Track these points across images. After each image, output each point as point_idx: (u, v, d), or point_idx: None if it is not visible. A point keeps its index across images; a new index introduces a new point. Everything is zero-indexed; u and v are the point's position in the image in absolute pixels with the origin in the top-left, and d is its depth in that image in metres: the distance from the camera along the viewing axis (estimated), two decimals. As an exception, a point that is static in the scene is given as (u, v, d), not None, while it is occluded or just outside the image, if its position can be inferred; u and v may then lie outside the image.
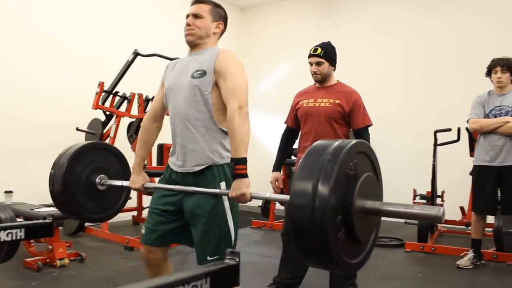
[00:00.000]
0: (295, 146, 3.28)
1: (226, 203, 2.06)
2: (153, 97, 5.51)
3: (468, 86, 6.14)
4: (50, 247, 3.85)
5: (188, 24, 2.17)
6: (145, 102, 5.58)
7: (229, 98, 1.99)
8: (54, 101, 5.57)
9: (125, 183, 2.41)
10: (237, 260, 1.69)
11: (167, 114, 2.31)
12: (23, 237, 2.52)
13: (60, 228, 4.03)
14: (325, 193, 1.36)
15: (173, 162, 2.20)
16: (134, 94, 5.44)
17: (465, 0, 6.31)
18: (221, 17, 2.24)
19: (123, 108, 5.46)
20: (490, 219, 4.38)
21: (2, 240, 2.31)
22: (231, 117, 1.95)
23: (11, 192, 4.49)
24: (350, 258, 1.50)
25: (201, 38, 2.17)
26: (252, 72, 6.98)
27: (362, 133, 2.99)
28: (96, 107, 5.11)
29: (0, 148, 5.08)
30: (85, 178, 2.40)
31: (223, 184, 2.06)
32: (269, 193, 1.94)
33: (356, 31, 7.23)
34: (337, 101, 2.93)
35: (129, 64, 5.28)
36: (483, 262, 4.11)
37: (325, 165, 1.40)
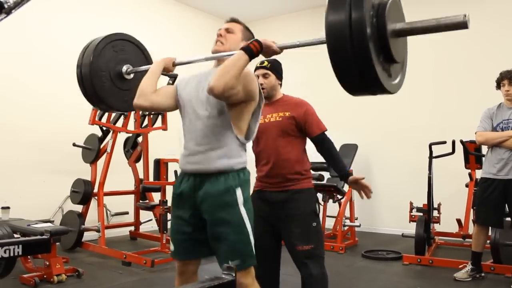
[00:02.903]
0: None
1: (243, 209, 2.10)
2: (149, 113, 5.58)
3: (463, 99, 6.22)
4: (47, 263, 3.84)
5: (219, 35, 2.27)
6: (141, 117, 5.60)
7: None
8: (50, 116, 5.59)
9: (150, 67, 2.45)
10: (234, 275, 1.70)
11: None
12: (20, 253, 2.51)
13: (57, 243, 4.03)
14: (360, 20, 1.46)
15: (187, 161, 2.19)
16: (131, 109, 5.47)
17: (475, 11, 6.39)
18: (250, 39, 2.31)
19: (119, 124, 5.48)
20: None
21: (-1, 256, 2.31)
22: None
23: (8, 208, 4.48)
24: (392, 79, 1.66)
25: (228, 51, 2.22)
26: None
27: (322, 138, 2.95)
28: (93, 122, 5.14)
29: (-3, 164, 5.09)
30: (112, 69, 2.50)
31: (238, 190, 2.10)
32: (298, 40, 2.01)
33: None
34: (287, 114, 2.83)
35: (126, 80, 5.32)
36: (482, 274, 4.10)
37: None
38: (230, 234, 2.07)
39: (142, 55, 2.66)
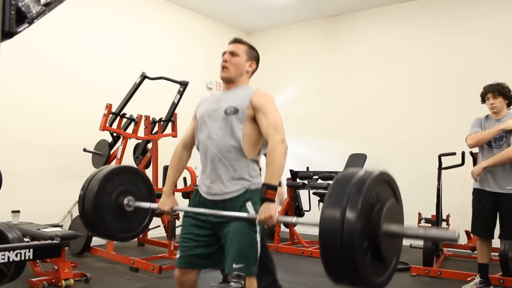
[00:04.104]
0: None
1: (254, 215, 2.17)
2: (160, 119, 5.63)
3: (473, 110, 6.18)
4: (56, 267, 3.86)
5: (225, 61, 2.34)
6: (151, 124, 5.64)
7: (271, 132, 2.17)
8: (62, 122, 5.66)
9: (153, 205, 2.54)
10: (242, 283, 1.72)
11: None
12: (31, 257, 2.55)
13: (66, 248, 4.05)
14: (353, 219, 1.51)
15: (204, 190, 2.32)
16: (141, 116, 5.51)
17: (473, 24, 6.39)
18: (254, 57, 2.43)
19: (130, 130, 5.52)
20: (497, 243, 4.38)
21: (10, 260, 2.34)
22: (274, 148, 2.12)
23: (18, 211, 4.53)
24: (377, 277, 1.64)
25: (236, 75, 2.35)
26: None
27: None
28: (103, 128, 5.18)
29: (8, 168, 5.11)
30: (114, 199, 2.53)
31: (249, 204, 2.20)
32: (295, 218, 2.06)
33: (359, 55, 7.32)
34: None
35: (136, 87, 5.36)
36: (491, 287, 4.07)
37: (352, 194, 1.55)
38: (239, 238, 2.15)
39: (147, 189, 2.73)
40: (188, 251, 2.28)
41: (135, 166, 2.84)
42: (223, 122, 2.24)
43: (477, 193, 4.09)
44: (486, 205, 3.99)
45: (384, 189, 1.73)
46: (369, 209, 1.59)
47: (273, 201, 2.06)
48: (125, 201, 2.54)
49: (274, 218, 2.04)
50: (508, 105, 4.06)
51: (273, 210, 2.04)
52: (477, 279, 4.06)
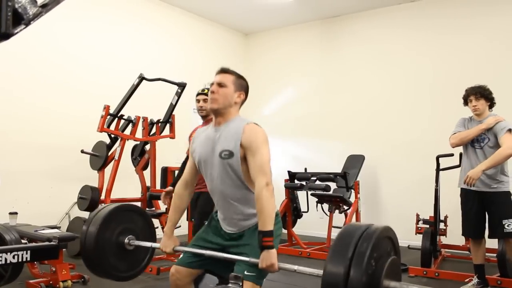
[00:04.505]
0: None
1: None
2: (158, 121, 5.63)
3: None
4: (54, 269, 3.86)
5: (212, 92, 2.30)
6: (149, 125, 5.64)
7: (257, 175, 2.16)
8: (59, 123, 5.65)
9: (154, 244, 2.60)
10: (240, 284, 1.73)
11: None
12: (28, 259, 2.54)
13: (63, 250, 4.04)
14: (357, 277, 1.57)
15: (224, 225, 2.37)
16: (139, 117, 5.50)
17: (472, 25, 6.41)
18: (243, 87, 2.39)
19: (128, 131, 5.51)
20: (495, 244, 4.39)
21: (8, 261, 2.34)
22: (260, 193, 2.12)
23: (16, 213, 4.51)
24: None
25: (224, 107, 2.30)
26: (255, 96, 7.06)
27: None
28: (101, 130, 5.17)
29: (5, 170, 5.13)
30: (115, 239, 2.57)
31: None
32: (297, 266, 2.07)
33: (358, 56, 7.33)
34: None
35: (134, 88, 5.36)
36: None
37: (357, 251, 1.62)
38: (252, 251, 2.18)
39: (148, 228, 2.77)
40: (193, 256, 2.34)
41: (138, 205, 2.88)
42: (221, 167, 2.25)
43: (464, 194, 4.11)
44: (473, 206, 4.02)
45: (387, 244, 1.78)
46: (372, 265, 1.64)
47: (272, 247, 2.06)
48: (126, 240, 2.59)
49: (275, 266, 2.05)
50: (490, 107, 4.11)
51: (273, 257, 2.05)
52: (475, 280, 4.07)
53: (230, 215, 2.30)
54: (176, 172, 5.03)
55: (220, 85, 2.30)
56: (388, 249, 1.79)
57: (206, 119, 3.60)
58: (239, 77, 2.39)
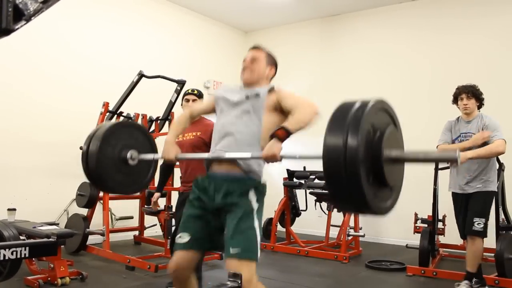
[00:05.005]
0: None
1: (255, 205, 2.26)
2: (157, 118, 5.63)
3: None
4: (52, 266, 3.86)
5: (247, 66, 2.48)
6: (149, 122, 5.63)
7: (302, 103, 2.28)
8: (59, 119, 5.64)
9: (156, 156, 2.61)
10: (239, 282, 1.73)
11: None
12: (27, 255, 2.54)
13: (62, 246, 4.04)
14: (355, 146, 1.55)
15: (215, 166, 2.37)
16: (138, 114, 5.50)
17: (472, 25, 6.41)
18: (273, 63, 2.56)
19: (127, 128, 5.50)
20: (492, 244, 4.39)
21: (6, 258, 2.34)
22: (307, 105, 2.26)
23: (14, 209, 4.51)
24: (381, 202, 1.71)
25: (257, 79, 2.46)
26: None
27: None
28: (100, 126, 5.16)
29: (4, 166, 5.13)
30: (117, 155, 2.56)
31: (252, 192, 2.26)
32: (298, 154, 2.14)
33: (357, 55, 7.33)
34: (198, 133, 3.45)
35: (134, 85, 5.36)
36: (486, 287, 4.08)
37: (352, 123, 1.59)
38: (238, 214, 2.20)
39: (148, 143, 2.76)
40: (186, 234, 2.31)
41: (137, 123, 2.88)
42: (244, 108, 2.32)
43: (454, 197, 4.18)
44: (461, 208, 4.08)
45: (382, 117, 1.78)
46: (370, 136, 1.63)
47: (281, 140, 2.11)
48: (128, 155, 2.58)
49: (277, 156, 2.09)
50: (479, 107, 4.12)
51: (277, 149, 2.09)
52: (473, 279, 4.07)
53: (234, 148, 2.28)
54: (175, 170, 5.04)
55: (253, 59, 2.47)
56: (385, 121, 1.79)
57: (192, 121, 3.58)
58: (270, 54, 2.56)
